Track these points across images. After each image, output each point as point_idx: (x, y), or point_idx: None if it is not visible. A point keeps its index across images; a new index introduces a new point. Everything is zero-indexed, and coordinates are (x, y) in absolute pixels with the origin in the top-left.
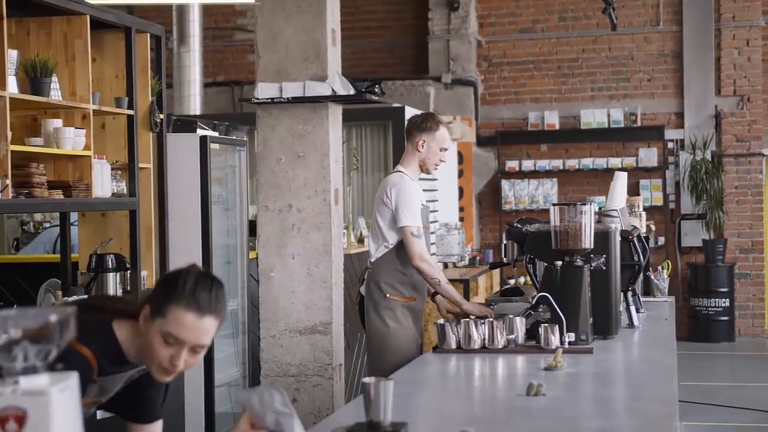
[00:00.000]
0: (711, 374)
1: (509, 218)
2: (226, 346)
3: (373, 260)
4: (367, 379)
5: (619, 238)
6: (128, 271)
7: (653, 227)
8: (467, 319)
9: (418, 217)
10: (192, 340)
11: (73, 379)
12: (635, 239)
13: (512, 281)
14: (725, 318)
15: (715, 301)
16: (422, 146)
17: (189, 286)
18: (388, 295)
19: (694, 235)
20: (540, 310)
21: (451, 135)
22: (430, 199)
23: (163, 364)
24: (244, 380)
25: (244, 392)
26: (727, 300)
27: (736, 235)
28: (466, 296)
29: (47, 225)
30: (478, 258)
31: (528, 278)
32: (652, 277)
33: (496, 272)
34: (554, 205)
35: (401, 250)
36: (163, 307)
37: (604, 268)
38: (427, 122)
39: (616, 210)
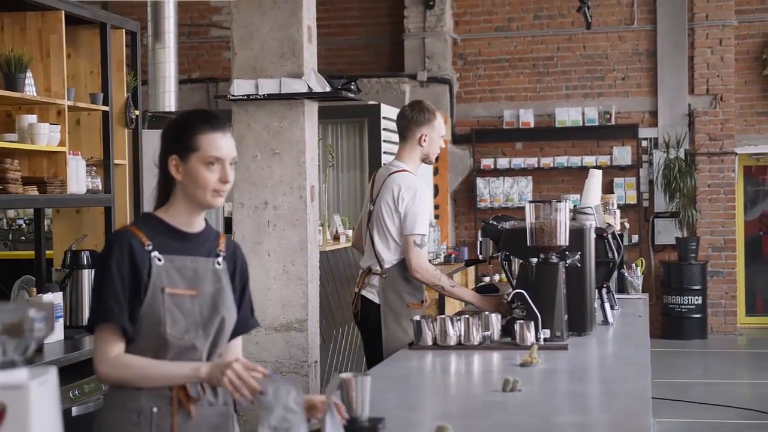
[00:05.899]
0: (684, 371)
1: (484, 216)
2: None
3: (386, 266)
4: (344, 375)
5: (594, 236)
6: None
7: (627, 225)
8: (443, 316)
9: (426, 225)
10: (228, 154)
11: (52, 374)
12: (610, 236)
13: (487, 279)
14: (698, 315)
15: (688, 299)
16: (425, 140)
17: (198, 118)
18: (409, 304)
19: (667, 233)
20: (515, 306)
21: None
22: None
23: (216, 187)
24: None
25: (265, 379)
26: (700, 297)
27: (708, 233)
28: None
29: (20, 222)
30: (453, 255)
31: (503, 275)
32: (627, 274)
33: (472, 269)
34: (530, 202)
35: None
36: (191, 145)
37: (579, 265)
38: (424, 114)
39: (591, 207)
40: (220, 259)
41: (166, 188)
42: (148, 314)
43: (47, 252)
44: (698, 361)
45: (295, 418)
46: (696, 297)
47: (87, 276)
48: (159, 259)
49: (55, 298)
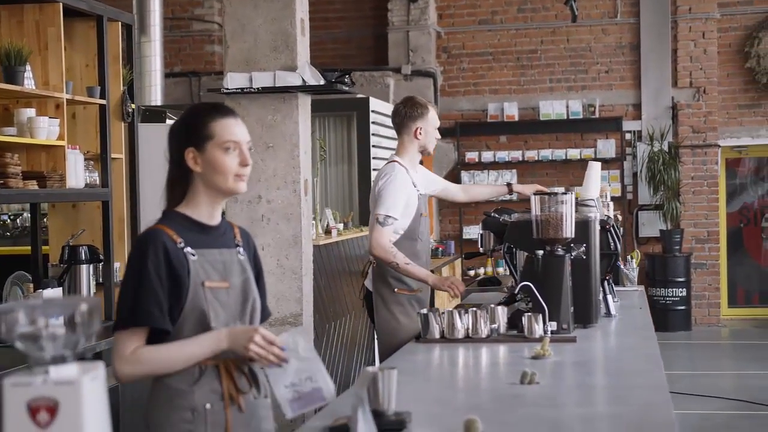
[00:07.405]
0: (670, 363)
1: (469, 210)
2: None
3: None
4: (371, 368)
5: (598, 227)
6: (101, 263)
7: (620, 216)
8: (451, 309)
9: (392, 206)
10: (242, 136)
11: (100, 369)
12: (611, 228)
13: (472, 272)
14: (682, 307)
15: (673, 291)
16: (420, 133)
17: (207, 107)
18: (396, 289)
19: (651, 225)
20: (518, 299)
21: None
22: None
23: (237, 171)
24: None
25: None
26: (684, 289)
27: (692, 226)
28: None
29: (5, 217)
30: (440, 249)
31: (491, 269)
32: (622, 266)
33: (458, 263)
34: (535, 194)
35: (403, 242)
36: (205, 133)
37: (584, 257)
38: (417, 109)
39: (593, 199)
40: (241, 249)
41: (183, 185)
42: (193, 311)
43: (43, 247)
44: (684, 353)
45: (311, 365)
46: (680, 289)
47: (85, 271)
48: (192, 255)
49: (55, 293)
